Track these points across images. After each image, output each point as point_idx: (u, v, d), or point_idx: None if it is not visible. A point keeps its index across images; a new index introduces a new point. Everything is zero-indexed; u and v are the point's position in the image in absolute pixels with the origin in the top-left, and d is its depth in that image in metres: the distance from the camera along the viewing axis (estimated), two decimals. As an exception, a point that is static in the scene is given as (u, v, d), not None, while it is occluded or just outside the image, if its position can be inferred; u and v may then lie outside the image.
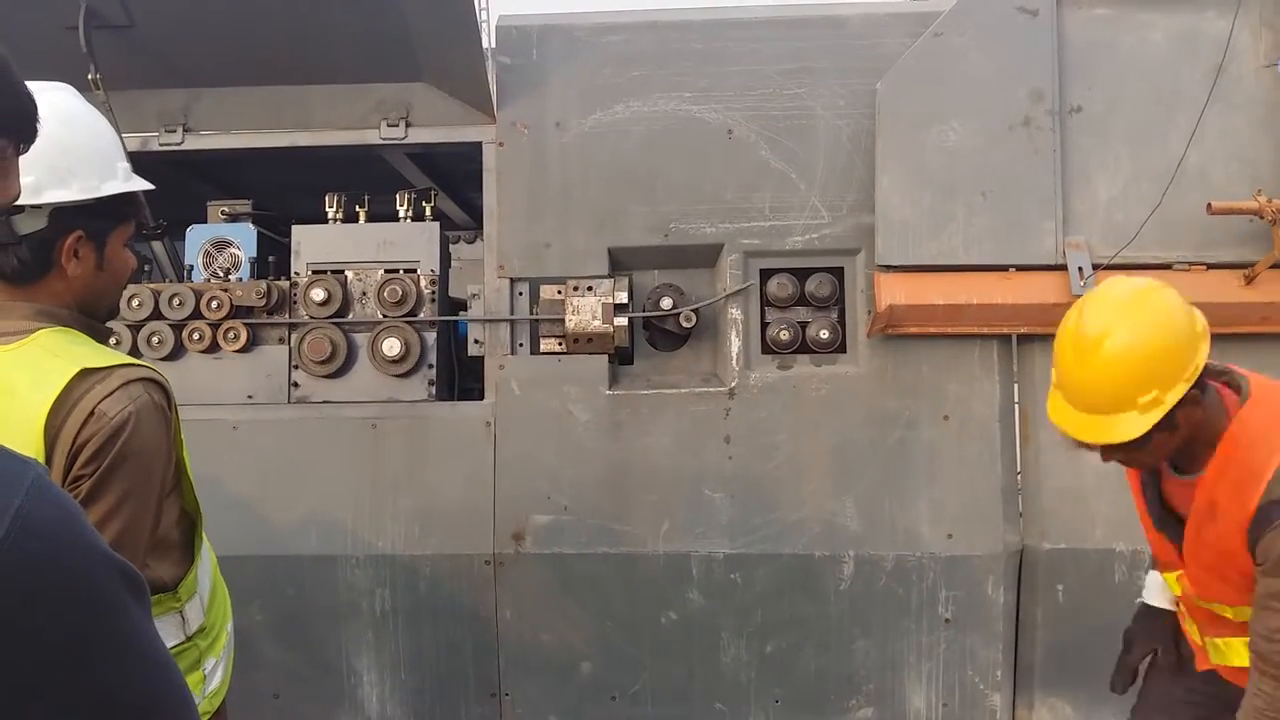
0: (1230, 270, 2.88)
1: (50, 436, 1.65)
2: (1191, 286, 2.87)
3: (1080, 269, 2.86)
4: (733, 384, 3.09)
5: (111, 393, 1.69)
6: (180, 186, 3.61)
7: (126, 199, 1.87)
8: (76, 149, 1.79)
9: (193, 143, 3.31)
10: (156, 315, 3.20)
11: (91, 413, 1.67)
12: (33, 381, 1.68)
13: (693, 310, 3.12)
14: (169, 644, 1.86)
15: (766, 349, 3.14)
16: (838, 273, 3.14)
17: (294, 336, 3.22)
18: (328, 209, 3.35)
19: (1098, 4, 3.01)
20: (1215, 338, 2.89)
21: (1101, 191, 2.96)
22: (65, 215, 1.75)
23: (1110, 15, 3.00)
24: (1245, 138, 2.95)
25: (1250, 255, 2.86)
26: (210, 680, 2.01)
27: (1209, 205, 2.78)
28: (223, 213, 3.51)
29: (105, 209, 1.81)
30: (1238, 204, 2.78)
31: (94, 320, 1.86)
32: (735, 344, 3.11)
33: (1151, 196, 2.88)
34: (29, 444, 1.64)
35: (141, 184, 1.91)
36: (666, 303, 3.16)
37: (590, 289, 3.11)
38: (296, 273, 3.28)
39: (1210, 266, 2.89)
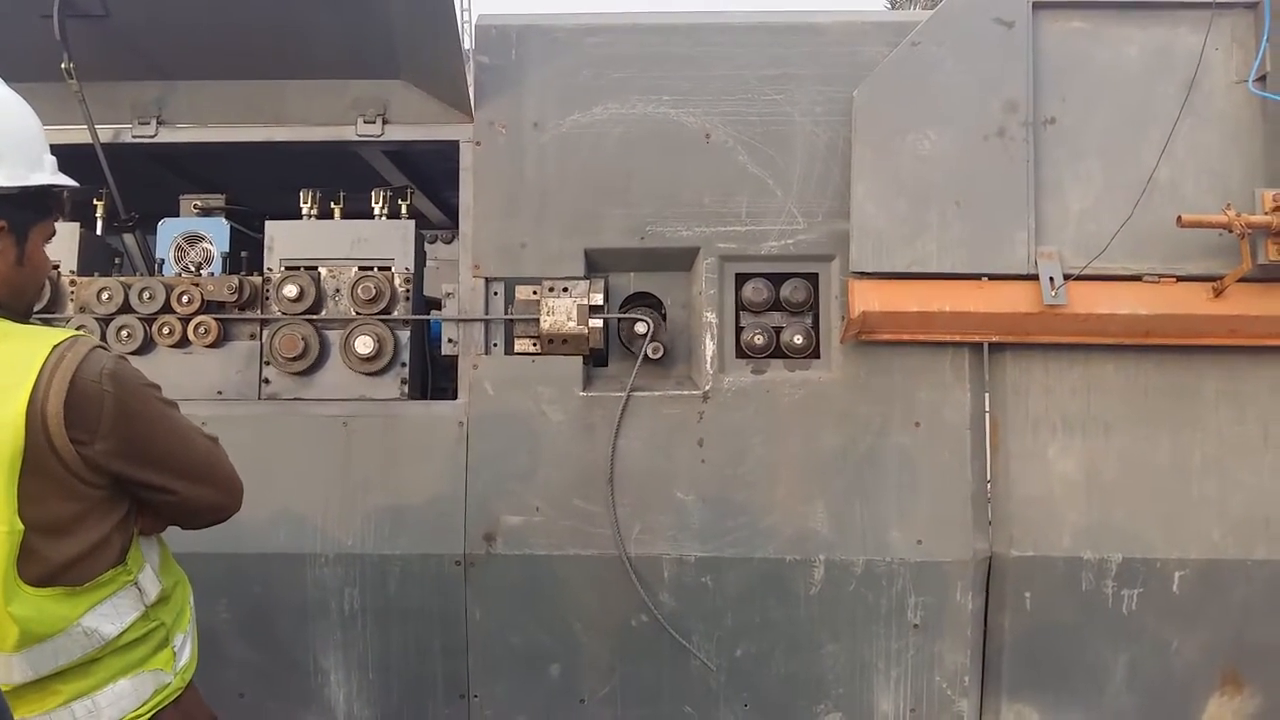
0: (1199, 283, 2.92)
1: (35, 413, 1.64)
2: (1160, 298, 2.92)
3: (1051, 279, 2.88)
4: (706, 387, 3.09)
5: (83, 359, 1.70)
6: (153, 179, 3.58)
7: (50, 193, 1.81)
8: (4, 135, 1.73)
9: (166, 135, 3.27)
10: (126, 309, 3.16)
11: (72, 380, 1.67)
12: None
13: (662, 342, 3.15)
14: (130, 618, 1.84)
15: (741, 353, 3.14)
16: (812, 278, 3.15)
17: (265, 333, 3.19)
18: (302, 205, 3.33)
19: (1073, 18, 3.04)
20: (1182, 349, 2.99)
21: (1073, 203, 2.99)
22: None
23: (1085, 29, 3.03)
24: (1216, 152, 2.99)
25: (1219, 268, 2.90)
26: (180, 656, 1.99)
27: (1179, 218, 2.80)
28: (195, 206, 3.47)
29: (29, 201, 1.75)
30: (1207, 217, 2.81)
31: (15, 317, 1.81)
32: (710, 348, 3.11)
33: (1123, 208, 2.90)
34: (8, 426, 1.63)
35: (68, 180, 1.85)
36: (640, 328, 3.15)
37: (565, 290, 3.10)
38: (269, 268, 3.26)
39: (1180, 279, 2.93)
